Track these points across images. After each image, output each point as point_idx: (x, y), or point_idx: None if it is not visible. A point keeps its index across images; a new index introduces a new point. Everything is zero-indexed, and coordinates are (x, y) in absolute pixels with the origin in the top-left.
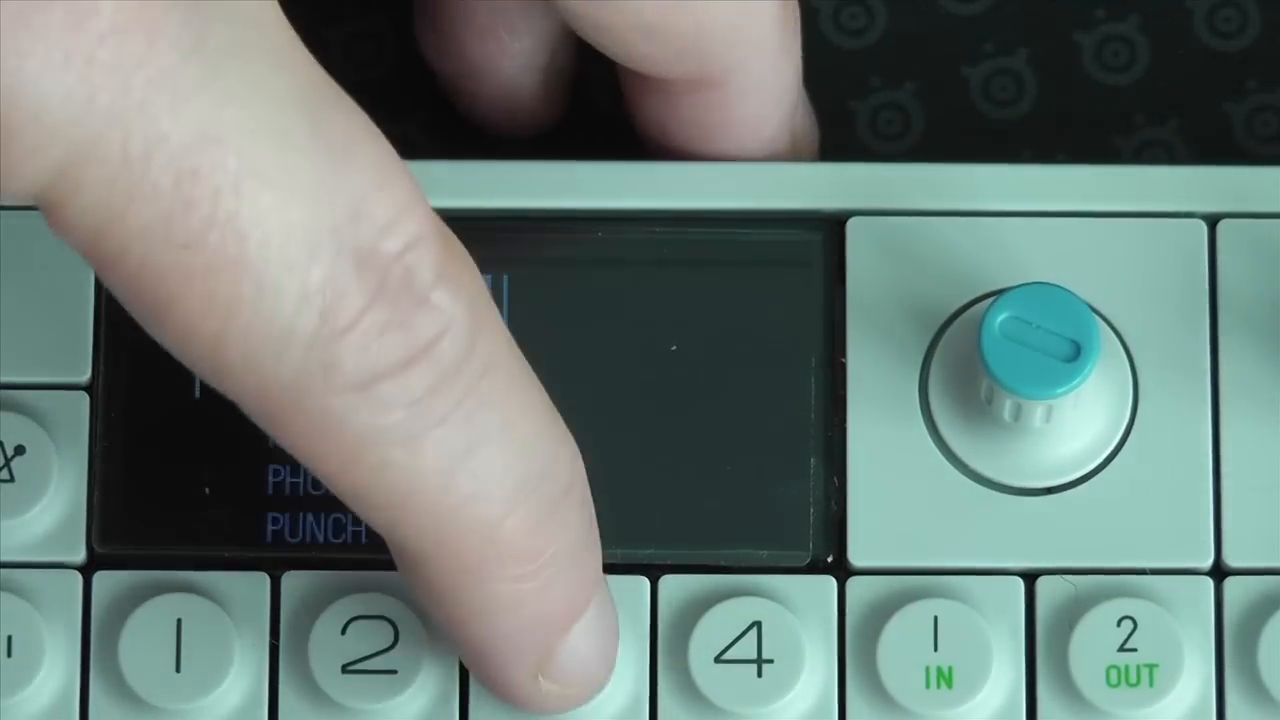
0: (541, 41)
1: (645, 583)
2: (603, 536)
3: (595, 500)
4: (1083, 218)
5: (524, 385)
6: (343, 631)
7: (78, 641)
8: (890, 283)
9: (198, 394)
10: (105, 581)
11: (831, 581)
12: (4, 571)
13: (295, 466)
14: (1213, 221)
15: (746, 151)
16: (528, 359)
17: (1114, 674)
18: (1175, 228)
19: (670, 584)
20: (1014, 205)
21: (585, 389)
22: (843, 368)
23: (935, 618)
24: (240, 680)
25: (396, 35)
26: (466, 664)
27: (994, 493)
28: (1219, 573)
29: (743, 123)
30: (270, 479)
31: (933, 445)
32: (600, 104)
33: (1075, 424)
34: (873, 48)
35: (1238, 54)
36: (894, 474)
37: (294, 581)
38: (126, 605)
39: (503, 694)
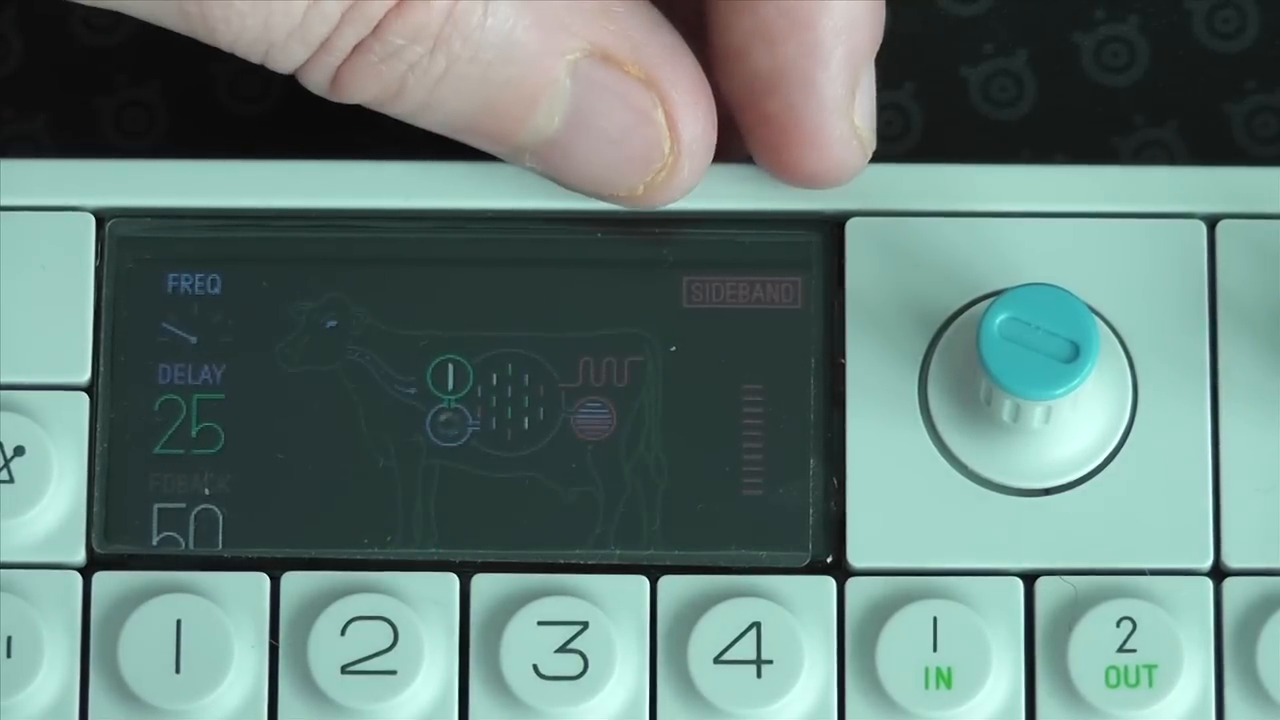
0: None
1: (645, 583)
2: (602, 537)
3: (594, 500)
4: (1082, 218)
5: None
6: (342, 632)
7: (77, 642)
8: (889, 283)
9: (197, 397)
10: (105, 582)
11: (831, 582)
12: (4, 572)
13: (295, 467)
14: (1212, 222)
15: None
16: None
17: (1113, 674)
18: (1174, 228)
19: (670, 584)
20: (1013, 206)
21: (585, 388)
22: (842, 368)
23: (934, 618)
24: (240, 681)
25: None
26: (791, 77)
27: (993, 493)
28: (1218, 573)
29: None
30: (269, 479)
31: (932, 446)
32: None
33: (1074, 425)
34: None
35: (1237, 55)
36: (893, 474)
37: (294, 581)
38: (126, 605)
39: (820, 119)
